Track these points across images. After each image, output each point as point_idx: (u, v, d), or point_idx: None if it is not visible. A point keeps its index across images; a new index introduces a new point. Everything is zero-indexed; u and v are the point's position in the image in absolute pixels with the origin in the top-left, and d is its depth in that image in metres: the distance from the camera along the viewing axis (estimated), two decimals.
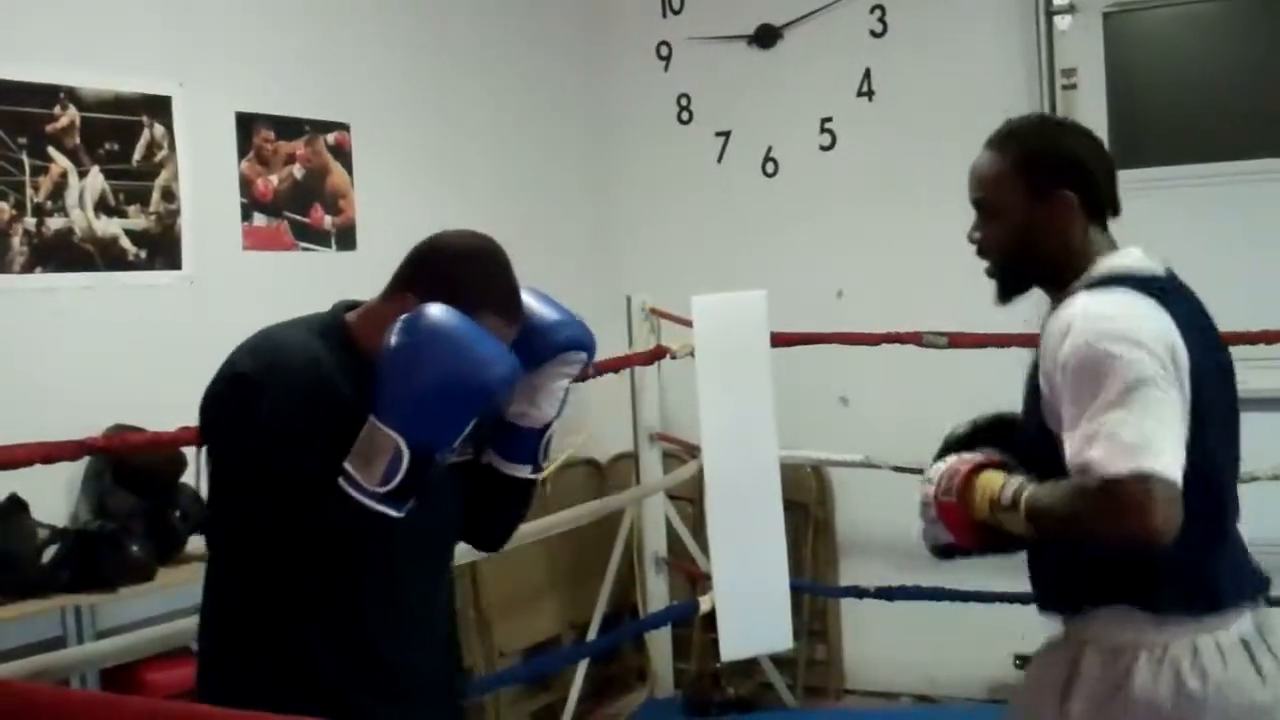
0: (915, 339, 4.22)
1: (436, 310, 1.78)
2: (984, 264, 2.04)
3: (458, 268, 1.87)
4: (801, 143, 4.97)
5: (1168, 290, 1.89)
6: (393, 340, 1.76)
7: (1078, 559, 1.90)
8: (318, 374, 1.81)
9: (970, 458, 1.92)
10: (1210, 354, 1.90)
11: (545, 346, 1.96)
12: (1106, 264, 1.92)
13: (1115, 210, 1.98)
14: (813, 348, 4.41)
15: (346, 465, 1.73)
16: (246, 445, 1.80)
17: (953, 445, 2.05)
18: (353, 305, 1.96)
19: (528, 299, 1.95)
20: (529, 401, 1.98)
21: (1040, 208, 1.93)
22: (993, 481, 1.86)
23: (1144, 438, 1.71)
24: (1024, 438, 1.96)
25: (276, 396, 1.78)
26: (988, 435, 2.05)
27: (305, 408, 1.78)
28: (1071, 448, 1.77)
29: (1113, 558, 1.84)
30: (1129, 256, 1.94)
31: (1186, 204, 4.40)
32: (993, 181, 1.96)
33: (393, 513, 1.74)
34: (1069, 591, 1.95)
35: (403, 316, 1.78)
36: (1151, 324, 1.80)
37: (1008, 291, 2.01)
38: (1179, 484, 1.71)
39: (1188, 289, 1.98)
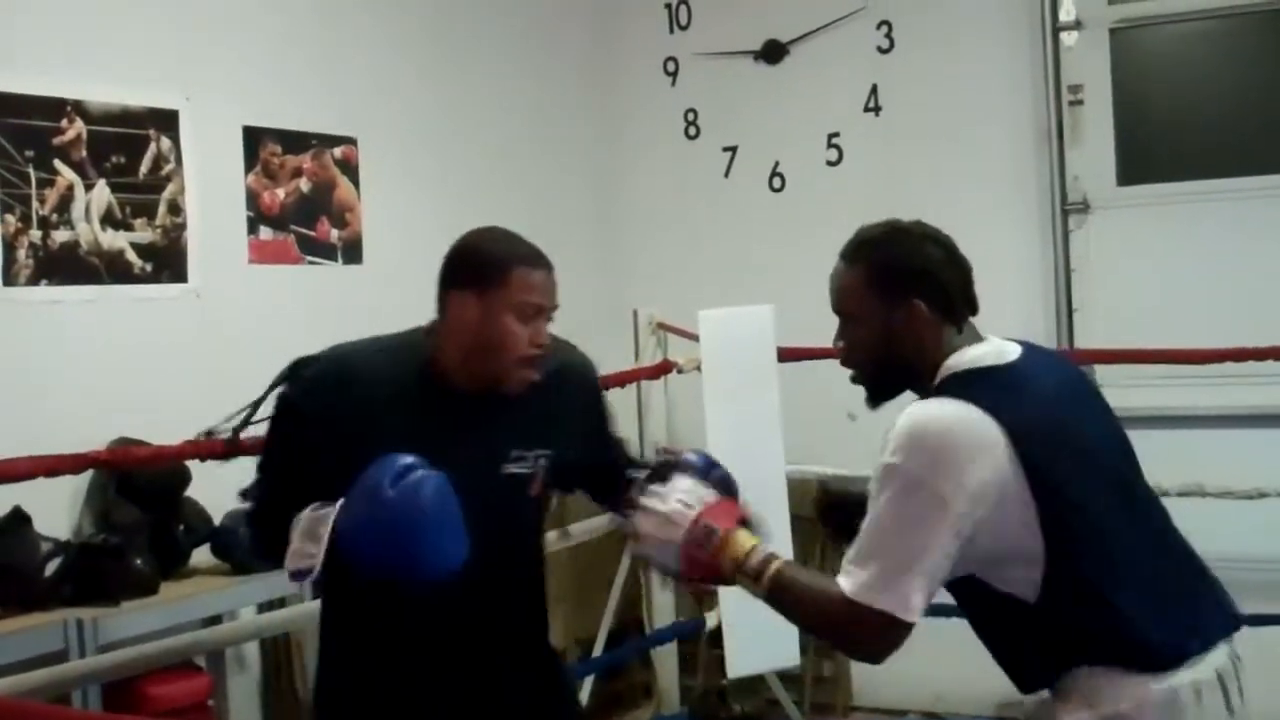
0: None
1: (406, 489, 1.84)
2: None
3: (479, 242, 2.06)
4: (808, 158, 4.96)
5: (1011, 383, 1.91)
6: (356, 504, 1.85)
7: (1033, 644, 1.91)
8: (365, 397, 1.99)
9: (728, 513, 1.98)
10: (1079, 430, 1.91)
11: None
12: (951, 362, 1.96)
13: (972, 310, 2.01)
14: (820, 362, 4.37)
15: (293, 526, 1.90)
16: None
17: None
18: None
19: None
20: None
21: (893, 316, 1.98)
22: (742, 543, 1.94)
23: (901, 576, 1.81)
24: None
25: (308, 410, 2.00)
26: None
27: (342, 438, 1.95)
28: (848, 552, 1.88)
29: (1067, 637, 1.85)
30: (973, 352, 1.96)
31: (1192, 220, 4.38)
32: (848, 293, 2.03)
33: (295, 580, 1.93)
34: (1038, 673, 1.95)
35: (378, 477, 1.85)
36: (963, 442, 1.82)
37: (876, 397, 2.08)
38: (914, 623, 1.82)
39: (1045, 362, 2.01)
